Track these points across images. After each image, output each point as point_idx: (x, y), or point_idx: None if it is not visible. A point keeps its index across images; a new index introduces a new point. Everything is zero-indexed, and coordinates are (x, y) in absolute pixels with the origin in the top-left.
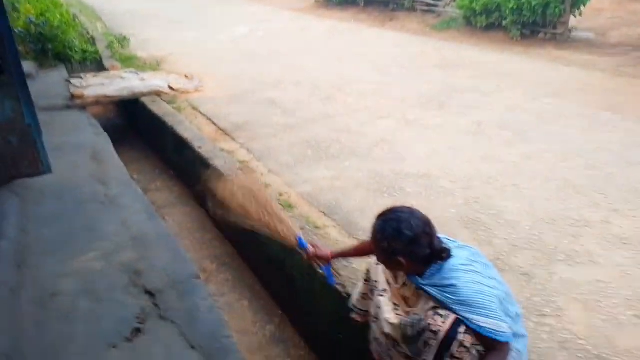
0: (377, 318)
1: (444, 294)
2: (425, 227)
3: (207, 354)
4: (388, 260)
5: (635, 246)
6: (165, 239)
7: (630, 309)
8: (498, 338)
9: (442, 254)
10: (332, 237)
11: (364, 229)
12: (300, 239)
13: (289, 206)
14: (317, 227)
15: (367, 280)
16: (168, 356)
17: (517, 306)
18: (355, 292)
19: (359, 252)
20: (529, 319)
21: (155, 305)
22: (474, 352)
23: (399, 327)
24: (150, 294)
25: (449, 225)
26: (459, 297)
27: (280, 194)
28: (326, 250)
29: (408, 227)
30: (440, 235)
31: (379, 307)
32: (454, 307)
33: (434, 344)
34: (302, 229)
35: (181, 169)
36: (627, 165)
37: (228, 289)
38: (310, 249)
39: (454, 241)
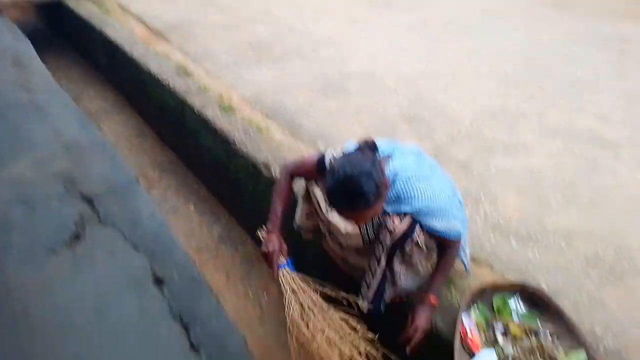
0: (330, 233)
1: (401, 207)
2: (375, 161)
3: (151, 255)
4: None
5: (567, 136)
6: (100, 147)
7: (560, 194)
8: (451, 237)
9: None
10: (276, 139)
11: (308, 130)
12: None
13: (230, 109)
14: (260, 130)
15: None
16: (111, 259)
17: (459, 194)
18: (299, 213)
19: (285, 204)
20: (465, 206)
21: (94, 211)
22: (424, 248)
23: (360, 235)
24: (87, 200)
25: (392, 121)
26: (415, 207)
27: (221, 97)
28: (276, 243)
29: (376, 175)
30: (381, 139)
31: (330, 223)
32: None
33: (389, 242)
34: (244, 131)
35: (114, 75)
36: (567, 60)
37: (172, 194)
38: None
39: (395, 146)
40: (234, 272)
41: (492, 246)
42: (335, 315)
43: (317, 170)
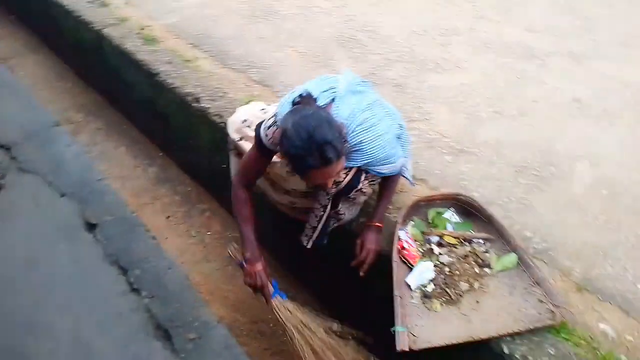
0: (274, 184)
1: (349, 161)
2: (324, 109)
3: (81, 199)
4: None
5: (497, 50)
6: (14, 90)
7: (490, 107)
8: (395, 173)
9: None
10: (204, 69)
11: (239, 58)
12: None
13: (152, 40)
14: (186, 61)
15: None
16: (37, 208)
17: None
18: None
19: (253, 224)
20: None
21: (13, 158)
22: (369, 190)
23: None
24: (4, 148)
25: (326, 45)
26: (362, 161)
27: (142, 28)
28: (263, 274)
29: (334, 122)
30: (318, 80)
31: (272, 172)
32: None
33: (334, 191)
34: (169, 63)
35: (24, 12)
36: None
37: (101, 138)
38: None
39: (334, 88)
40: (175, 213)
41: (426, 162)
42: (346, 349)
43: (262, 155)
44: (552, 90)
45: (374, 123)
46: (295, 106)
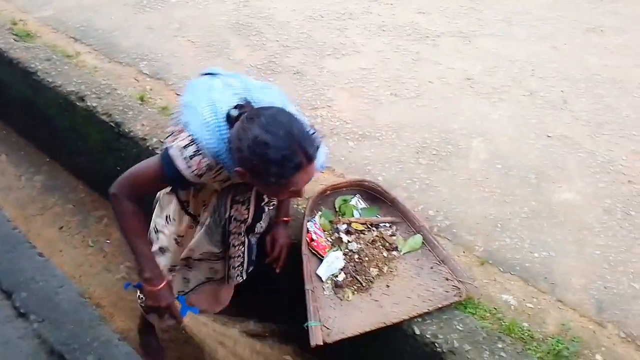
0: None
1: None
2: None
3: None
4: None
5: (392, 32)
6: None
7: (388, 89)
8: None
9: None
10: (89, 64)
11: (127, 51)
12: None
13: (27, 35)
14: (68, 56)
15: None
16: None
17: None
18: (165, 259)
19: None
20: (303, 114)
21: None
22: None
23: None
24: None
25: (220, 33)
26: None
27: (14, 23)
28: (168, 292)
29: (298, 115)
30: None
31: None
32: None
33: (243, 228)
34: (48, 60)
35: None
36: None
37: None
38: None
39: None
40: (68, 223)
41: (331, 149)
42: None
43: (165, 184)
44: (446, 70)
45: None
46: (245, 116)
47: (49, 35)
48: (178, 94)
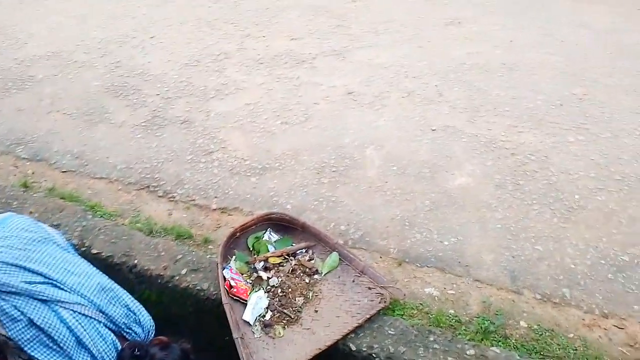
0: None
1: None
2: None
3: None
4: None
5: (270, 63)
6: None
7: (278, 119)
8: None
9: None
10: None
11: None
12: None
13: None
14: None
15: None
16: None
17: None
18: None
19: None
20: (199, 161)
21: None
22: None
23: None
24: None
25: (98, 99)
26: None
27: None
28: None
29: None
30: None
31: None
32: None
33: None
34: None
35: None
36: None
37: None
38: None
39: None
40: None
41: (234, 190)
42: None
43: None
44: (327, 89)
45: None
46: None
47: None
48: (64, 171)
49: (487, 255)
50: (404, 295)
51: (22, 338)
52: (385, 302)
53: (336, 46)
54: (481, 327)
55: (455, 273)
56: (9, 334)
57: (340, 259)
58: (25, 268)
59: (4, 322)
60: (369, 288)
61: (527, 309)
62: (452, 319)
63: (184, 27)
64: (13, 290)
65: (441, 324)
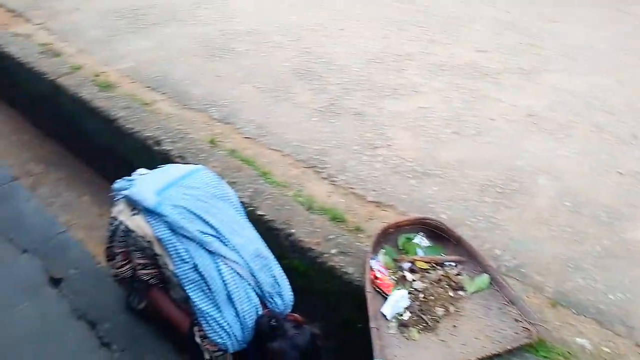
0: None
1: None
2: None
3: (43, 254)
4: None
5: (451, 71)
6: None
7: (449, 127)
8: None
9: None
10: (163, 112)
11: (198, 98)
12: None
13: (108, 86)
14: (145, 104)
15: None
16: None
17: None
18: None
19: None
20: (364, 153)
21: None
22: None
23: None
24: None
25: (285, 79)
26: None
27: (97, 75)
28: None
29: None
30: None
31: None
32: None
33: None
34: (127, 108)
35: None
36: None
37: (63, 188)
38: None
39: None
40: None
41: (392, 187)
42: None
43: None
44: (507, 107)
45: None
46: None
47: (128, 86)
48: (246, 137)
49: None
50: (553, 338)
51: (186, 278)
52: (531, 338)
53: (524, 64)
54: None
55: (616, 331)
56: (176, 271)
57: (490, 282)
58: (202, 219)
59: (175, 260)
60: (516, 320)
61: None
62: None
63: (371, 24)
64: (189, 235)
65: None
